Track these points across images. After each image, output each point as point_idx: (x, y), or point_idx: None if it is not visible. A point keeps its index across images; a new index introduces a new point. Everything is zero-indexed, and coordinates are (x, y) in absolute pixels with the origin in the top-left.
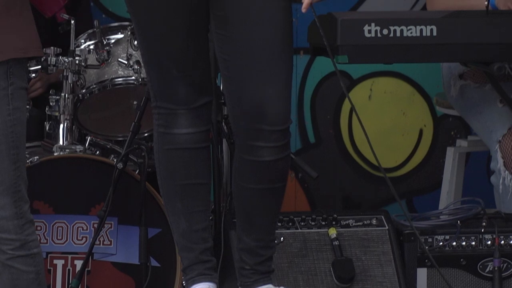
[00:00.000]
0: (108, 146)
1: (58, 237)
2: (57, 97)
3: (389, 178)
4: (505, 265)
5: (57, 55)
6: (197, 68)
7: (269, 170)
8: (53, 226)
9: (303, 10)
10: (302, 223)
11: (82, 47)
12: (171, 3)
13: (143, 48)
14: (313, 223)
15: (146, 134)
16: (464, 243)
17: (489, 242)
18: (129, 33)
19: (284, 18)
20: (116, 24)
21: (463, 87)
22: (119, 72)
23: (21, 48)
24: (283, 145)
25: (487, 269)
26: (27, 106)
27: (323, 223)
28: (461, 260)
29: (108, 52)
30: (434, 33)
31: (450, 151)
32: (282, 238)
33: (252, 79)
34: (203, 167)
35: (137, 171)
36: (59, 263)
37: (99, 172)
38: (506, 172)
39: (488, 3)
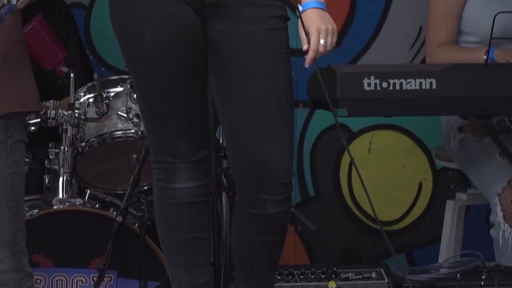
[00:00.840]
0: (108, 199)
1: None
2: (56, 150)
3: (388, 231)
4: None
5: (56, 108)
6: (196, 122)
7: (271, 223)
8: (52, 279)
9: (306, 65)
10: (302, 276)
11: (82, 100)
12: (170, 59)
13: (142, 103)
14: (312, 276)
15: (145, 188)
16: None
17: None
18: (128, 86)
19: (284, 72)
20: (115, 77)
21: (462, 140)
22: (119, 125)
23: (20, 102)
24: (286, 198)
25: None
26: (26, 159)
27: (323, 276)
28: None
29: (108, 105)
30: (434, 86)
31: (449, 204)
32: None
33: (254, 132)
34: (203, 221)
35: (137, 224)
36: None
37: (99, 225)
38: (506, 225)
39: (487, 56)
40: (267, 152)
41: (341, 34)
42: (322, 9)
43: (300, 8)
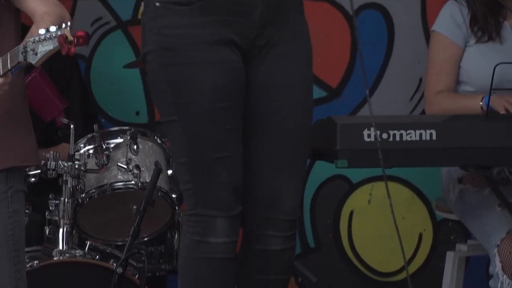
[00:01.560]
0: (108, 251)
1: None
2: (56, 202)
3: (389, 283)
4: None
5: (56, 160)
6: (240, 169)
7: (276, 260)
8: None
9: None
10: None
11: (82, 151)
12: (229, 106)
13: (192, 157)
14: None
15: (145, 239)
16: None
17: None
18: (128, 137)
19: (310, 109)
20: (115, 128)
21: (462, 191)
22: (119, 177)
23: (21, 156)
24: (291, 235)
25: None
26: (27, 211)
27: None
28: None
29: (108, 156)
30: (434, 137)
31: (449, 256)
32: None
33: (270, 167)
34: (231, 278)
35: (137, 275)
36: None
37: (99, 277)
38: (504, 276)
39: (483, 104)
40: (280, 186)
41: (341, 85)
42: None
43: None
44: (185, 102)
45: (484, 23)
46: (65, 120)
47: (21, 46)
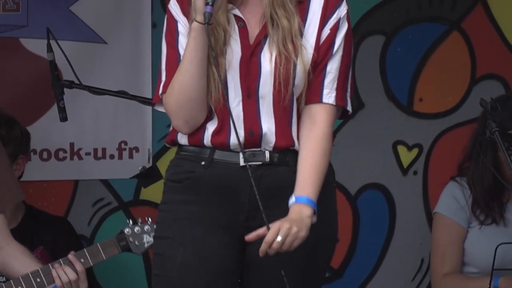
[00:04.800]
0: None
1: None
2: None
3: None
4: None
5: None
6: None
7: None
8: None
9: (261, 254)
10: None
11: None
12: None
13: None
14: None
15: None
16: None
17: None
18: None
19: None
20: None
21: None
22: None
23: None
24: None
25: None
26: None
27: None
28: None
29: None
30: None
31: None
32: None
33: None
34: None
35: None
36: None
37: None
38: None
39: (491, 285)
40: None
41: (343, 265)
42: (308, 206)
43: (292, 199)
44: (157, 274)
45: (486, 208)
46: None
47: None
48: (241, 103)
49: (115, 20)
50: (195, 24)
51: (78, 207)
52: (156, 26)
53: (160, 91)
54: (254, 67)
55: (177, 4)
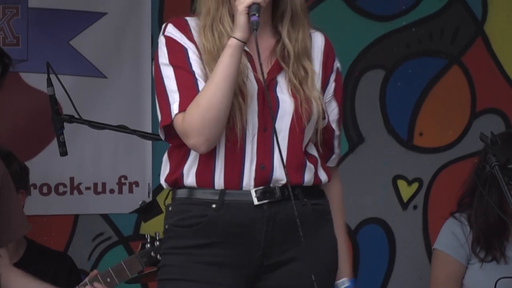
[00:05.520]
0: None
1: None
2: None
3: None
4: None
5: None
6: None
7: None
8: None
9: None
10: None
11: None
12: None
13: None
14: None
15: None
16: None
17: None
18: None
19: None
20: None
21: None
22: None
23: None
24: None
25: None
26: None
27: None
28: None
29: None
30: None
31: None
32: None
33: None
34: None
35: None
36: None
37: None
38: None
39: None
40: None
41: None
42: None
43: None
44: None
45: (487, 245)
46: None
47: None
48: (256, 136)
49: (115, 54)
50: (232, 41)
51: (78, 242)
52: None
53: (176, 111)
54: (272, 101)
55: (178, 30)
